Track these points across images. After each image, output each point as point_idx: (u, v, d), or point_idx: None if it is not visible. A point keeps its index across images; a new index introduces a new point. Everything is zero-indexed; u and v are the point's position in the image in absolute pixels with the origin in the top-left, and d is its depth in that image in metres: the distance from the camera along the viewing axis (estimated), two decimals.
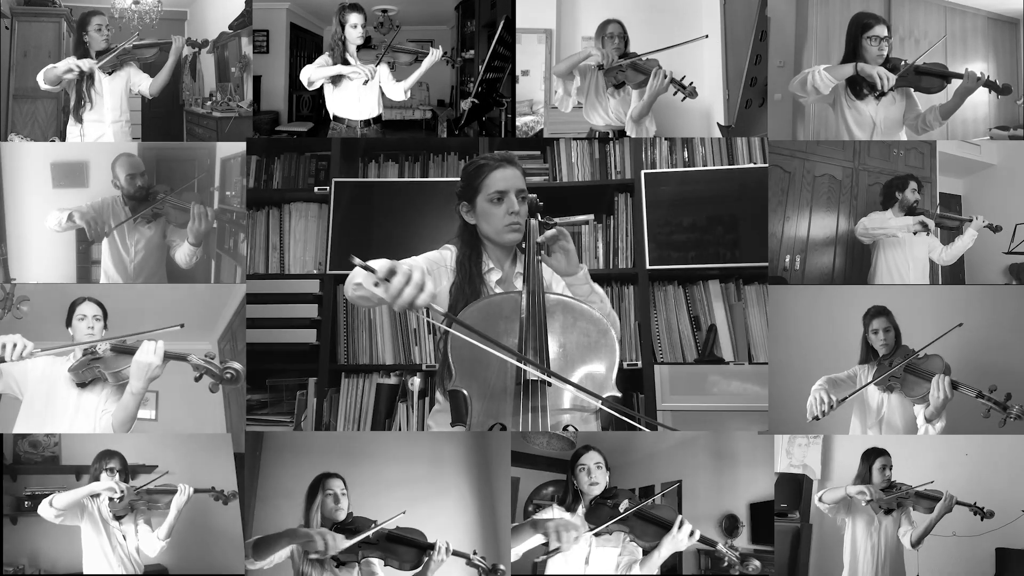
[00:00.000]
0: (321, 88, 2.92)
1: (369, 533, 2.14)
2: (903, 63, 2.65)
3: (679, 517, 2.12)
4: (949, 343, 2.37)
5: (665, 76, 2.71)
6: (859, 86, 2.68)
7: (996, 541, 2.48)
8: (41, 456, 2.64)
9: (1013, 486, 2.50)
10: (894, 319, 2.49)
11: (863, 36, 2.65)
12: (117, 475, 2.33)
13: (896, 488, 2.42)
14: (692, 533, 2.10)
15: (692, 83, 2.72)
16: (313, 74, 2.86)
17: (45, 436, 2.63)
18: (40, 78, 2.72)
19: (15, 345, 2.13)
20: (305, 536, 2.11)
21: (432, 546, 2.18)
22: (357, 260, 1.46)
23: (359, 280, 1.59)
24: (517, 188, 1.97)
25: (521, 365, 1.67)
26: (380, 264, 1.45)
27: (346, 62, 2.86)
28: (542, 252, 1.91)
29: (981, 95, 2.68)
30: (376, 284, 1.45)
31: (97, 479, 2.33)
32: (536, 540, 2.09)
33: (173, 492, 2.32)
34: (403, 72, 2.95)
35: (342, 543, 2.11)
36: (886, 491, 2.42)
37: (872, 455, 2.47)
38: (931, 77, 2.66)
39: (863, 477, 2.46)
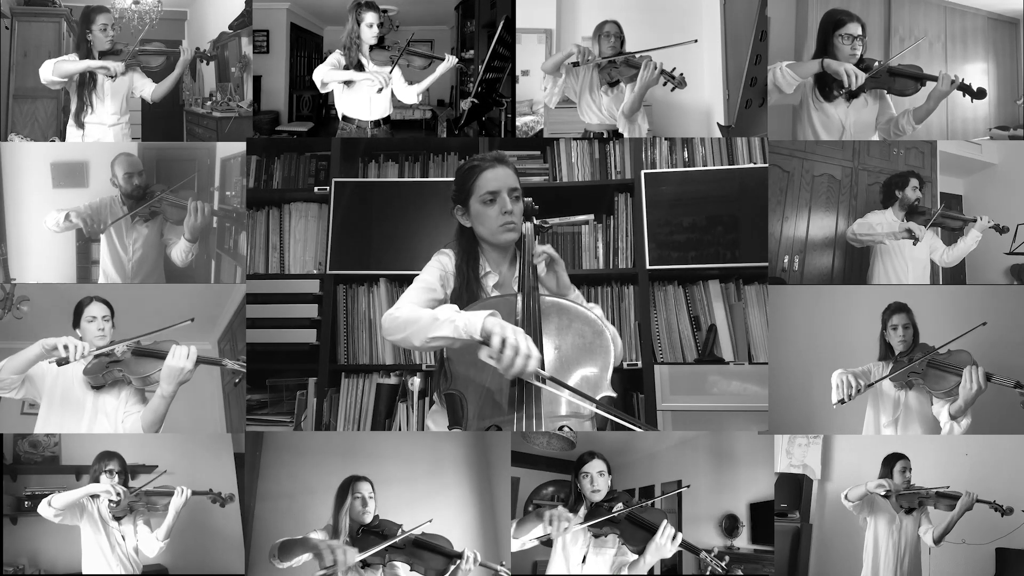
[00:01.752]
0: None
1: (384, 545, 2.15)
2: (876, 64, 2.58)
3: (664, 522, 2.15)
4: (958, 343, 2.36)
5: (655, 68, 2.70)
6: (828, 86, 2.59)
7: (996, 541, 2.48)
8: (41, 456, 2.64)
9: (1013, 486, 2.50)
10: (913, 316, 2.46)
11: (835, 34, 2.56)
12: (116, 476, 2.33)
13: (916, 489, 2.43)
14: (675, 538, 2.14)
15: (682, 73, 2.70)
16: (326, 76, 2.86)
17: (45, 436, 2.63)
18: (48, 69, 2.68)
19: (76, 347, 2.18)
20: (315, 548, 2.13)
21: (460, 555, 2.18)
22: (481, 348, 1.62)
23: (483, 355, 1.65)
24: (509, 187, 1.95)
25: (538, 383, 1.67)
26: (494, 340, 1.59)
27: (359, 61, 2.86)
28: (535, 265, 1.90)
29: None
30: (491, 357, 1.59)
31: (97, 480, 2.33)
32: (538, 530, 2.17)
33: (171, 494, 2.33)
34: (414, 75, 2.94)
35: (352, 557, 2.12)
36: (907, 492, 2.43)
37: (893, 459, 2.47)
38: (905, 79, 2.58)
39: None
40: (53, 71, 2.68)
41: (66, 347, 2.17)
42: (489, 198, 1.94)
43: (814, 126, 2.65)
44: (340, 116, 2.93)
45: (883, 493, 2.41)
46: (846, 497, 2.47)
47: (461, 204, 2.00)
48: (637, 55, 2.79)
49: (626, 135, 2.91)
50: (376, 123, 2.93)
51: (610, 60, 2.80)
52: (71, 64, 2.70)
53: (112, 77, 2.73)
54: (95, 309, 2.34)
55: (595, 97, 2.91)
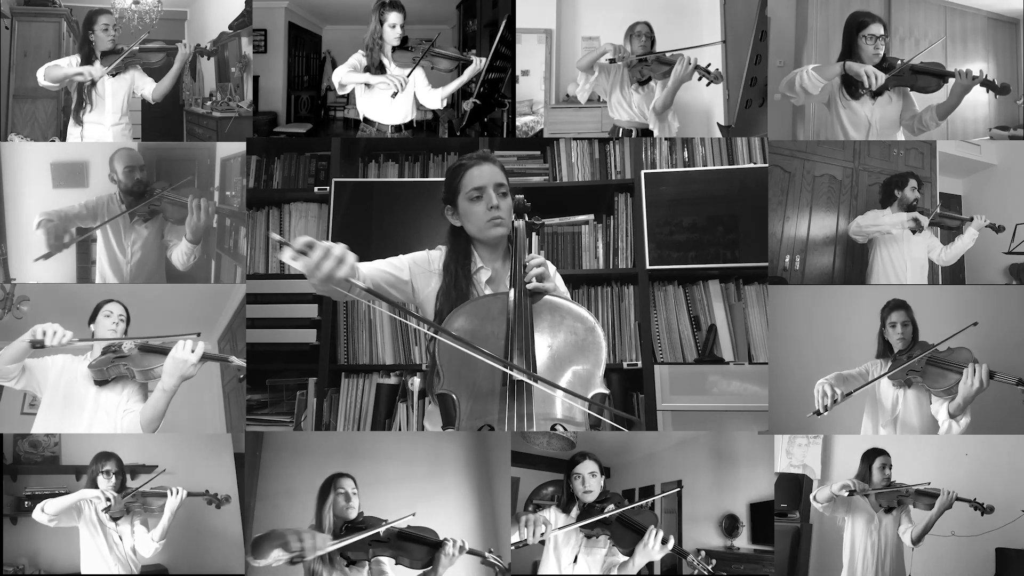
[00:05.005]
0: (330, 88, 2.89)
1: (364, 536, 2.12)
2: (899, 62, 2.64)
3: (651, 527, 2.16)
4: (959, 340, 2.36)
5: (688, 63, 2.71)
6: (853, 85, 2.66)
7: (996, 541, 2.48)
8: (41, 456, 2.64)
9: (1013, 486, 2.50)
10: (912, 314, 2.47)
11: (859, 35, 2.64)
12: (114, 477, 2.33)
13: (895, 487, 2.42)
14: (666, 541, 2.14)
15: (717, 68, 2.73)
16: (345, 78, 2.84)
17: (45, 436, 2.63)
18: (40, 74, 2.71)
19: (55, 332, 2.18)
20: (280, 537, 2.07)
21: (442, 543, 2.17)
22: (275, 236, 1.53)
23: (286, 256, 1.55)
24: (495, 183, 1.97)
25: (506, 369, 1.66)
26: (300, 239, 1.49)
27: (381, 62, 2.84)
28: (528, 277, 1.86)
29: (981, 95, 2.68)
30: (295, 258, 1.49)
31: (94, 480, 2.33)
32: (515, 535, 2.17)
33: (166, 495, 2.32)
34: (440, 78, 2.91)
35: (322, 543, 2.08)
36: (886, 490, 2.42)
37: (872, 455, 2.46)
38: (928, 76, 2.64)
39: (863, 477, 2.46)
40: (44, 76, 2.72)
41: (44, 332, 2.17)
42: (475, 195, 1.96)
43: (843, 123, 2.71)
44: (362, 118, 2.92)
45: (846, 494, 2.40)
46: (814, 498, 2.47)
47: (450, 203, 2.02)
48: (668, 54, 2.79)
49: (656, 133, 2.90)
50: (397, 128, 2.91)
51: (641, 58, 2.80)
52: (57, 70, 2.73)
53: (87, 83, 2.73)
54: (113, 307, 2.38)
55: (625, 94, 2.89)
